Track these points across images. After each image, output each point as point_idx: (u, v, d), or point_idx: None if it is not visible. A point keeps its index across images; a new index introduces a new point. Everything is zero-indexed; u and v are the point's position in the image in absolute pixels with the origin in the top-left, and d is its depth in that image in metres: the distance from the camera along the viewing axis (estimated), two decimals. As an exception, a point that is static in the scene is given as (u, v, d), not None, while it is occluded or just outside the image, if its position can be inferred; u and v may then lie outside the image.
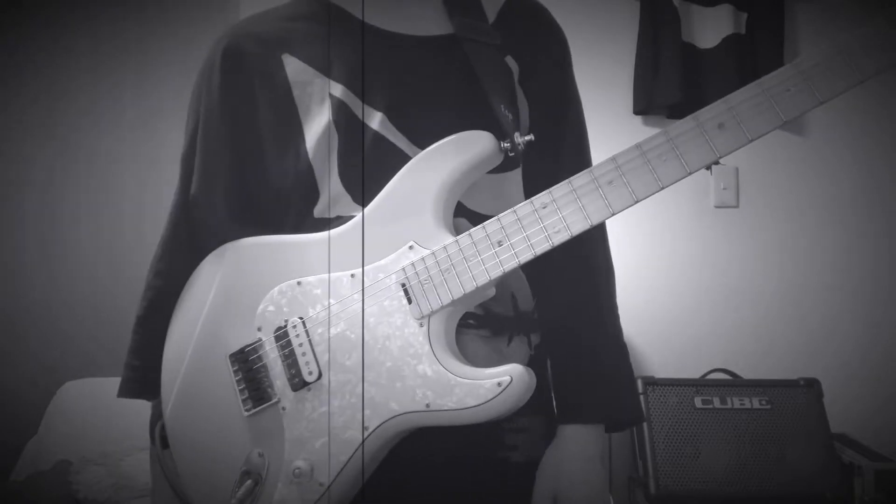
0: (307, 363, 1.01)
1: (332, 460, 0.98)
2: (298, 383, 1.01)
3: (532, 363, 1.06)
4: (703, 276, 2.56)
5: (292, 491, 1.00)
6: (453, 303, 0.98)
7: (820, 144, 2.54)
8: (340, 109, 1.06)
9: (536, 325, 1.10)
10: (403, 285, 0.99)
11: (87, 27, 2.59)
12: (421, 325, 0.98)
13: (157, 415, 1.14)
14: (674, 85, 2.47)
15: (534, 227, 0.95)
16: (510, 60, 1.12)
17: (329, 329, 1.01)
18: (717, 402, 2.19)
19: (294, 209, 1.09)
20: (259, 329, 1.05)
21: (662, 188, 0.92)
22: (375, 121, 1.05)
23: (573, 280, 1.12)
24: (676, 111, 2.52)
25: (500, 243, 0.96)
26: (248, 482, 1.02)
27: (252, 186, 1.12)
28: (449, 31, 1.10)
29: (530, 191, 1.10)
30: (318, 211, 1.07)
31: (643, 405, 2.15)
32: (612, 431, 1.15)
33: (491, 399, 0.93)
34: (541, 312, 1.11)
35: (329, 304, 1.01)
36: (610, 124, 2.48)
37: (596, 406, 1.09)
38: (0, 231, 2.57)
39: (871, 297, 2.54)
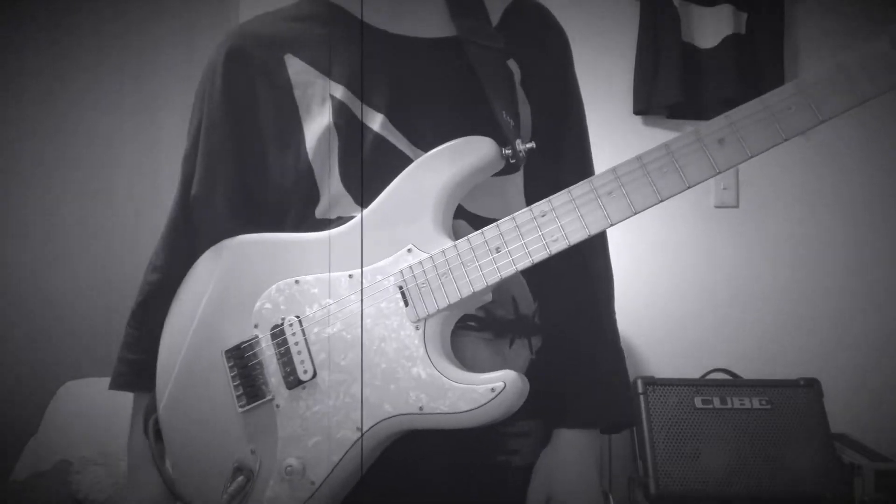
0: (302, 362, 1.01)
1: (325, 459, 0.98)
2: (293, 381, 1.02)
3: (533, 366, 1.06)
4: (703, 276, 2.56)
5: (284, 488, 1.00)
6: (449, 307, 0.98)
7: (820, 145, 2.54)
8: (341, 110, 1.06)
9: (537, 329, 1.10)
10: (400, 288, 0.99)
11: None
12: (417, 328, 0.98)
13: (150, 408, 1.14)
14: (674, 85, 2.46)
15: (532, 234, 0.95)
16: (512, 63, 1.11)
17: (328, 329, 1.01)
18: (717, 402, 2.18)
19: (294, 209, 1.09)
20: (255, 326, 1.05)
21: (661, 201, 0.92)
22: (377, 122, 1.05)
23: (572, 286, 1.12)
24: (676, 111, 2.52)
25: (497, 250, 0.96)
26: (240, 478, 1.03)
27: (253, 186, 1.13)
28: (452, 33, 1.10)
29: (531, 192, 1.10)
30: (320, 212, 1.07)
31: (643, 405, 2.16)
32: (606, 434, 1.15)
33: (484, 404, 0.94)
34: (541, 317, 1.11)
35: (329, 303, 1.02)
36: (610, 124, 2.48)
37: (592, 410, 1.10)
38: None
39: (872, 297, 2.53)
